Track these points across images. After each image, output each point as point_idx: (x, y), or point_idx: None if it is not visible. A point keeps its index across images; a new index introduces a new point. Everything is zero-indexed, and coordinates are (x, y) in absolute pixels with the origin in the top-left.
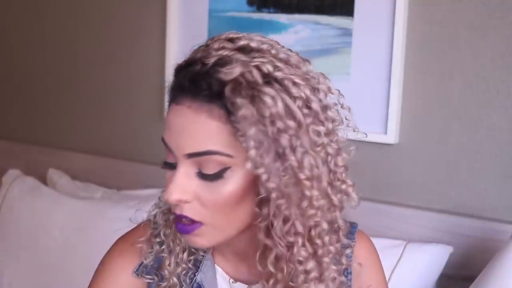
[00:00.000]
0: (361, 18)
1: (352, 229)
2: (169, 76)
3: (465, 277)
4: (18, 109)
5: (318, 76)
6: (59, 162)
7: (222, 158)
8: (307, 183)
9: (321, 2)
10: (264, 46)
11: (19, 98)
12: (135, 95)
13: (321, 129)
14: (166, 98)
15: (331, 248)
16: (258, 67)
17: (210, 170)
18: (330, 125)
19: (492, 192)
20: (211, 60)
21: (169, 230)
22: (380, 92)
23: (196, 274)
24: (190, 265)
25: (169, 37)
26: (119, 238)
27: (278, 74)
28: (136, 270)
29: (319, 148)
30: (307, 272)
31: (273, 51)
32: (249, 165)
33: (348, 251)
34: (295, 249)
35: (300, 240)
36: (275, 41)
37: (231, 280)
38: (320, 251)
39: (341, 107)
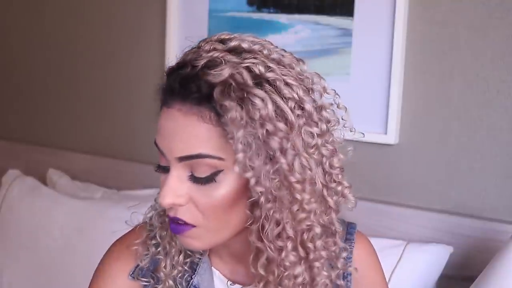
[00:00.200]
0: (361, 18)
1: (351, 230)
2: None
3: (465, 277)
4: (18, 109)
5: (313, 76)
6: (59, 162)
7: (214, 161)
8: (298, 186)
9: (321, 2)
10: (256, 47)
11: (19, 98)
12: (135, 95)
13: (315, 130)
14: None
15: (323, 253)
16: (248, 68)
17: (202, 173)
18: (324, 126)
19: (492, 192)
20: (201, 62)
21: (165, 232)
22: (380, 92)
23: (192, 276)
24: (186, 268)
25: (169, 37)
26: (117, 240)
27: (270, 75)
28: (132, 273)
29: (312, 150)
30: (295, 276)
31: (265, 52)
32: (236, 168)
33: (344, 254)
34: (284, 254)
35: (290, 244)
36: (268, 41)
37: (229, 282)
38: (311, 255)
39: (337, 107)
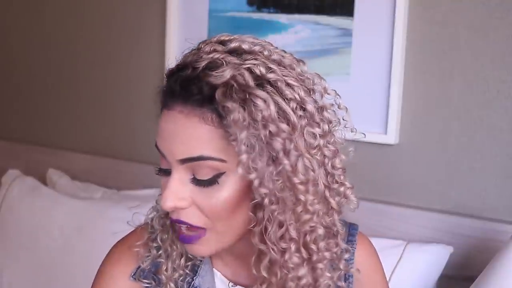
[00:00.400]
0: (361, 18)
1: (352, 231)
2: None
3: (465, 277)
4: (18, 109)
5: (313, 77)
6: (59, 162)
7: (216, 163)
8: (302, 187)
9: (321, 2)
10: (256, 48)
11: (19, 98)
12: (135, 95)
13: (317, 131)
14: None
15: (326, 254)
16: (250, 70)
17: (204, 175)
18: (326, 127)
19: (492, 192)
20: (202, 64)
21: (166, 235)
22: (380, 92)
23: (194, 278)
24: (187, 271)
25: (169, 37)
26: (118, 241)
27: (271, 76)
28: (133, 274)
29: (315, 151)
30: (299, 278)
31: (265, 53)
32: (240, 170)
33: (346, 255)
34: (287, 255)
35: (293, 246)
36: (268, 42)
37: (230, 283)
38: (315, 257)
39: (338, 107)
